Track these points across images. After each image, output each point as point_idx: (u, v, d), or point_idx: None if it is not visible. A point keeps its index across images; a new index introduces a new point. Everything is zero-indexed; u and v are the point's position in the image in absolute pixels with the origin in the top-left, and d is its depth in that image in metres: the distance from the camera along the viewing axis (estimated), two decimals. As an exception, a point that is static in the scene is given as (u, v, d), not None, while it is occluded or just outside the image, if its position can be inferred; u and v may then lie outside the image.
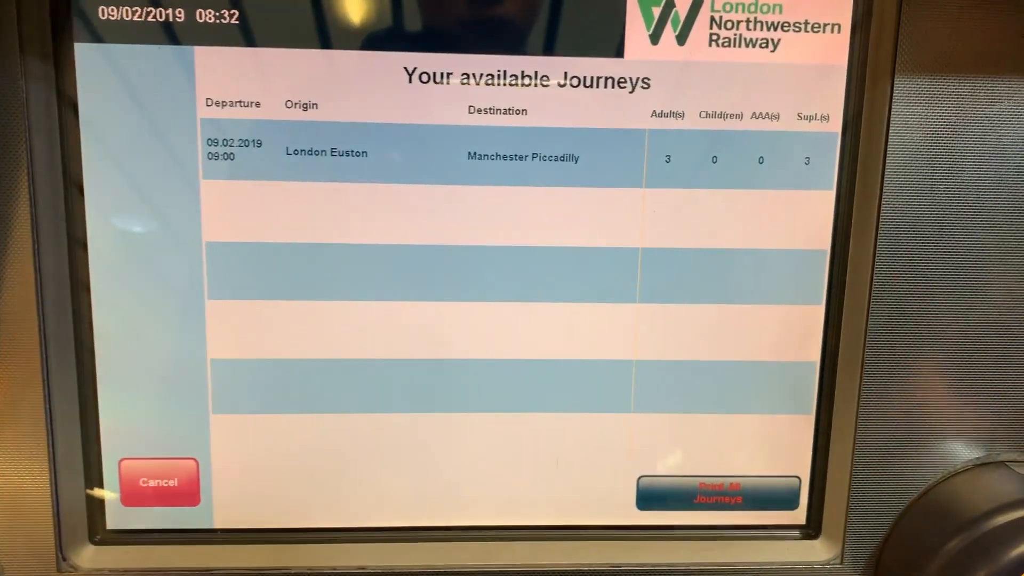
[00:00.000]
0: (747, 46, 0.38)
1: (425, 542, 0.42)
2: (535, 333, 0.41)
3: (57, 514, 0.39)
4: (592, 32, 0.38)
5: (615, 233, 0.40)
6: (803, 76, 0.39)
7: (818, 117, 0.39)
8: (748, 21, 0.38)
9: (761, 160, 0.39)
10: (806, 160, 0.40)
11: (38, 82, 0.37)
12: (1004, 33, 0.38)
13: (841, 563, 0.42)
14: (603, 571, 0.41)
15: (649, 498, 0.43)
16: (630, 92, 0.39)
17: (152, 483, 0.41)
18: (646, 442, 0.42)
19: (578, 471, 0.42)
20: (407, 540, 0.42)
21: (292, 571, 0.41)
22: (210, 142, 0.38)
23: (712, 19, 0.38)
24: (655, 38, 0.38)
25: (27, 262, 0.37)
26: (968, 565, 0.38)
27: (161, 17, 0.37)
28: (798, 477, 0.43)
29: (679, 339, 0.41)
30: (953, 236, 0.39)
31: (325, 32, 0.37)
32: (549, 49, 0.38)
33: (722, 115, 0.39)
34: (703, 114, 0.39)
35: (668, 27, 0.38)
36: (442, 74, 0.38)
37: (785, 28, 0.38)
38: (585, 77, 0.38)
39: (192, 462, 0.41)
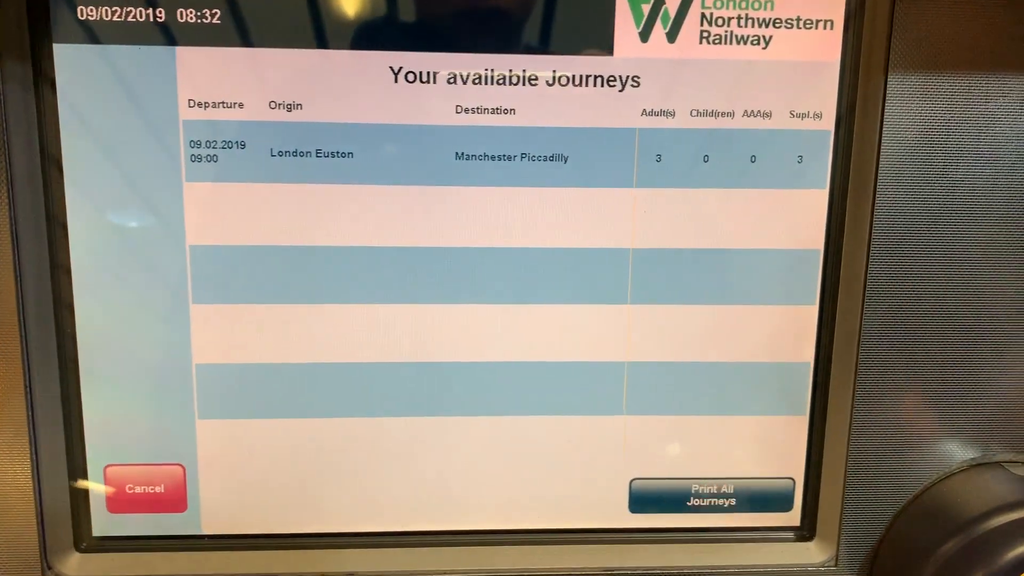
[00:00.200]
0: (738, 43, 0.38)
1: (415, 547, 0.41)
2: (525, 335, 0.40)
3: (41, 522, 0.39)
4: (581, 30, 0.37)
5: (605, 234, 0.39)
6: (795, 73, 0.38)
7: (811, 115, 0.39)
8: (739, 18, 0.38)
9: (753, 159, 0.39)
10: (799, 159, 0.39)
11: (16, 85, 0.36)
12: (998, 30, 0.37)
13: (836, 565, 0.42)
14: (597, 575, 0.41)
15: (642, 501, 0.42)
16: (620, 90, 0.38)
17: (138, 489, 0.40)
18: (639, 444, 0.42)
19: (570, 474, 0.42)
20: (397, 545, 0.41)
21: (281, 577, 0.40)
22: (193, 144, 0.37)
23: (703, 16, 0.38)
24: (645, 35, 0.38)
25: (8, 269, 0.37)
26: (964, 567, 0.37)
27: (142, 17, 0.36)
28: (792, 479, 0.42)
29: (671, 340, 0.41)
30: (948, 235, 0.39)
31: (309, 31, 0.37)
32: (538, 47, 0.37)
33: (713, 113, 0.38)
34: (694, 112, 0.38)
35: (658, 24, 0.38)
36: (428, 73, 0.37)
37: (777, 24, 0.38)
38: (574, 76, 0.38)
39: (179, 468, 0.40)
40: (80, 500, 0.40)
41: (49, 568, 0.39)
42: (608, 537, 0.42)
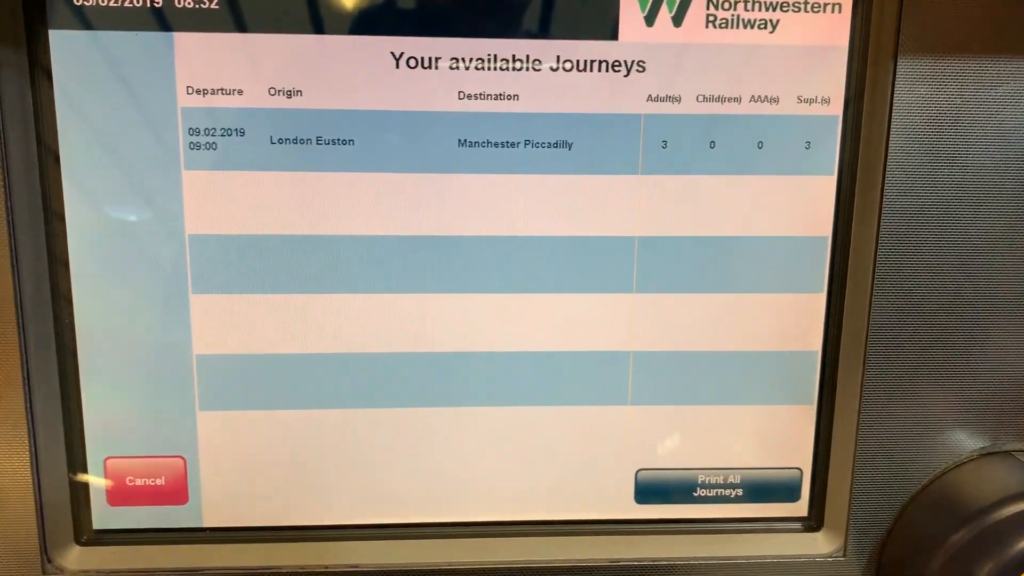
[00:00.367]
0: (745, 27, 0.37)
1: (419, 539, 0.41)
2: (529, 325, 0.40)
3: (41, 515, 0.39)
4: (585, 14, 0.37)
5: (610, 222, 0.39)
6: (803, 58, 0.38)
7: (819, 100, 0.38)
8: (746, 1, 0.37)
9: (760, 145, 0.38)
10: (806, 144, 0.39)
11: (11, 72, 0.35)
12: (1009, 13, 0.36)
13: (844, 556, 0.41)
14: (601, 566, 0.41)
15: (648, 491, 0.42)
16: (625, 76, 0.37)
17: (139, 482, 0.40)
18: (644, 435, 0.41)
19: (575, 465, 0.41)
20: (401, 537, 0.41)
21: (283, 570, 0.40)
22: (192, 132, 0.37)
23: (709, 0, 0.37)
24: (650, 20, 0.37)
25: (4, 258, 0.36)
26: (974, 557, 0.37)
27: (138, 2, 0.35)
28: (799, 469, 0.42)
29: (677, 329, 0.40)
30: (957, 221, 0.38)
31: (309, 16, 0.36)
32: (541, 32, 0.37)
33: (720, 99, 0.38)
34: (700, 98, 0.38)
35: (664, 8, 0.37)
36: (430, 59, 0.37)
37: (784, 8, 0.37)
38: (578, 61, 0.37)
39: (179, 460, 0.40)
40: (80, 493, 0.40)
41: (49, 562, 0.39)
42: (614, 528, 0.42)
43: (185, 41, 0.36)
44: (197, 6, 0.36)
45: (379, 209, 0.38)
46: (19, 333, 0.37)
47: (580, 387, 0.40)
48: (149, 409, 0.39)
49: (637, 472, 0.42)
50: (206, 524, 0.41)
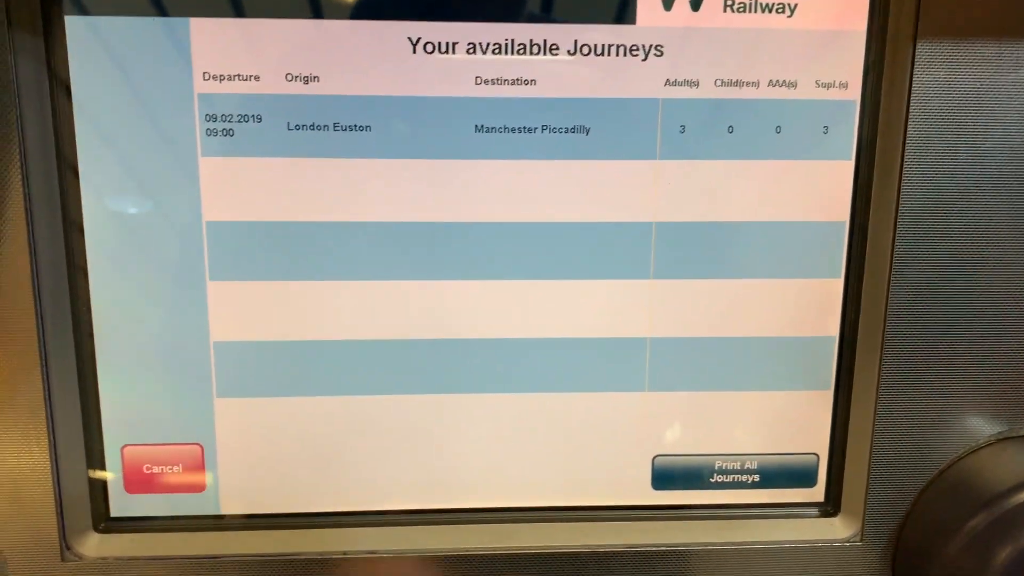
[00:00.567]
0: (763, 11, 0.37)
1: (436, 525, 0.41)
2: (546, 311, 0.39)
3: (59, 503, 0.39)
4: (603, -2, 0.37)
5: (628, 207, 0.39)
6: (821, 42, 0.38)
7: (837, 84, 0.38)
8: (764, -15, 0.37)
9: (778, 129, 0.38)
10: (824, 129, 0.38)
11: (27, 58, 0.35)
12: (1030, -6, 0.36)
13: (861, 541, 0.41)
14: (618, 552, 0.41)
15: (664, 477, 0.42)
16: (643, 60, 0.37)
17: (156, 469, 0.40)
18: (661, 421, 0.41)
19: (592, 451, 0.41)
20: (418, 523, 0.41)
21: (301, 557, 0.40)
22: (208, 118, 0.36)
23: (727, -17, 0.37)
24: (668, 4, 0.37)
25: (22, 245, 0.36)
26: (992, 543, 0.37)
27: (154, -12, 0.35)
28: (816, 454, 0.42)
29: (694, 315, 0.40)
30: (976, 206, 0.38)
31: (326, 1, 0.36)
32: (558, 16, 0.37)
33: (738, 83, 0.38)
34: (718, 82, 0.38)
35: (681, -8, 0.37)
36: (447, 44, 0.37)
37: (802, -9, 0.37)
38: (596, 45, 0.37)
39: (197, 447, 0.40)
40: (98, 481, 0.40)
41: (68, 549, 0.39)
42: (631, 514, 0.42)
43: (202, 27, 0.36)
44: (213, -9, 0.35)
45: (395, 195, 0.38)
46: (37, 322, 0.37)
47: (597, 373, 0.40)
48: (166, 397, 0.39)
49: (654, 458, 0.42)
50: (224, 511, 0.41)
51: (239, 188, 0.37)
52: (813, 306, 0.40)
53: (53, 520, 0.38)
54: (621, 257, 0.39)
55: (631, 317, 0.40)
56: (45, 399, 0.38)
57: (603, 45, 0.37)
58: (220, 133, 0.37)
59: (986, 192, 0.38)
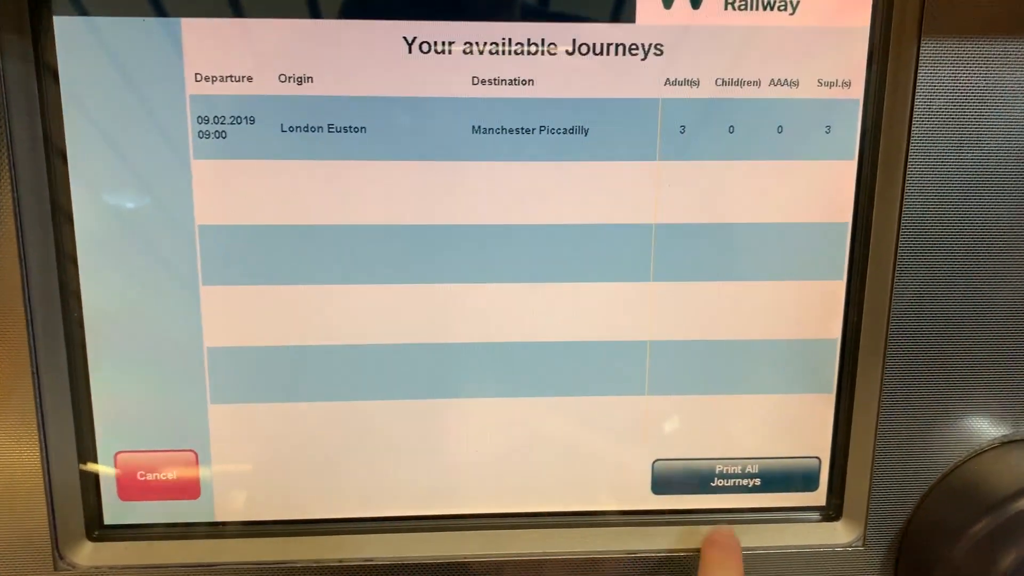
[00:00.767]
0: (765, 8, 0.36)
1: (434, 531, 0.41)
2: (544, 315, 0.39)
3: (52, 511, 0.38)
4: (601, -4, 0.36)
5: (627, 209, 0.38)
6: (824, 40, 0.37)
7: (839, 83, 0.37)
8: (766, -18, 0.36)
9: (780, 129, 0.38)
10: (827, 129, 0.38)
11: (16, 60, 0.35)
12: (1036, -9, 0.36)
13: (863, 545, 0.41)
14: (618, 558, 0.40)
15: (665, 482, 0.41)
16: (642, 59, 0.37)
17: (150, 476, 0.39)
18: (661, 425, 0.41)
19: (591, 456, 0.41)
20: (415, 530, 0.40)
21: (298, 564, 0.39)
22: (200, 120, 0.36)
23: (728, -20, 0.36)
24: (668, 2, 0.36)
25: (12, 251, 0.36)
26: (996, 547, 0.36)
27: (144, -13, 0.35)
28: (818, 458, 0.41)
29: (695, 318, 0.39)
30: (981, 207, 0.37)
31: (319, 0, 0.35)
32: (557, 15, 0.36)
33: (739, 82, 0.37)
34: (719, 82, 0.37)
35: (682, -10, 0.36)
36: (443, 43, 0.36)
37: (805, -11, 0.36)
38: (595, 44, 0.36)
39: (191, 454, 0.39)
40: (91, 488, 0.39)
41: (61, 558, 0.38)
42: (631, 519, 0.41)
43: (193, 27, 0.35)
44: (204, -9, 0.35)
45: (391, 198, 0.37)
46: (28, 328, 0.36)
47: (596, 377, 0.40)
48: (160, 403, 0.39)
49: (654, 462, 0.41)
50: (218, 518, 0.40)
51: (232, 191, 0.37)
52: (815, 308, 0.40)
53: (45, 529, 0.38)
54: (621, 259, 0.39)
55: (631, 320, 0.39)
56: (36, 406, 0.37)
57: (602, 44, 0.36)
58: (213, 135, 0.36)
59: (991, 192, 0.37)
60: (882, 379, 0.39)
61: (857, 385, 0.40)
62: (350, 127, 0.36)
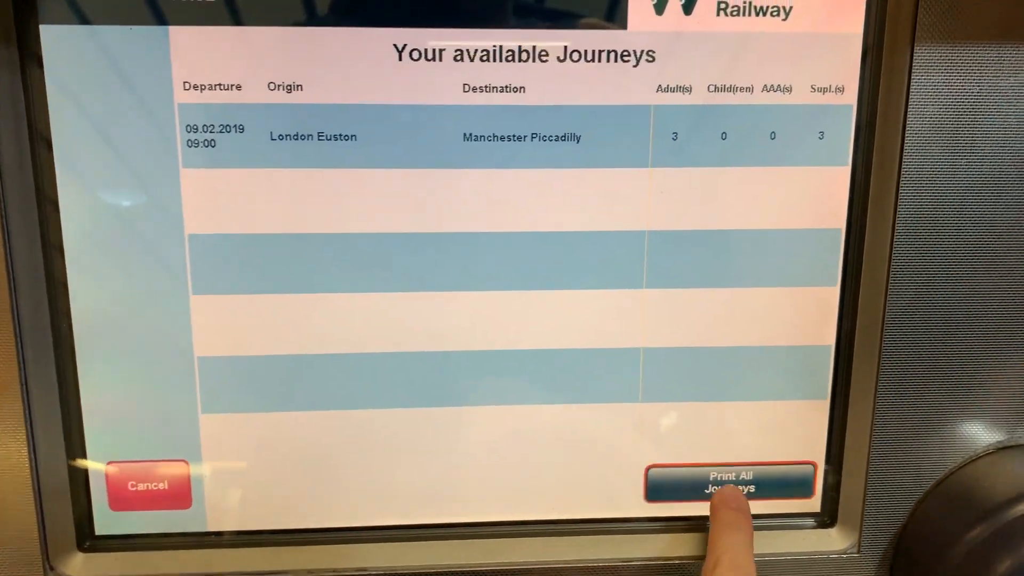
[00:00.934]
0: (757, 14, 0.36)
1: (428, 540, 0.40)
2: (537, 322, 0.39)
3: (42, 521, 0.38)
4: (593, 2, 0.36)
5: (620, 216, 0.38)
6: (817, 45, 0.37)
7: (832, 89, 0.37)
8: (758, -12, 0.36)
9: (773, 135, 0.37)
10: (820, 135, 0.38)
11: (1, 70, 0.34)
12: (1029, -4, 0.35)
13: (858, 552, 0.41)
14: (613, 566, 0.40)
15: (659, 489, 0.41)
16: (634, 66, 0.36)
17: (141, 486, 0.39)
18: (655, 432, 0.40)
19: (585, 463, 0.40)
20: (409, 539, 0.40)
21: (290, 574, 0.39)
22: (189, 128, 0.36)
23: (720, -14, 0.36)
24: (660, 8, 0.36)
25: (-1, 267, 0.35)
26: (991, 554, 0.36)
27: (132, -5, 0.34)
28: (813, 464, 0.41)
29: (688, 325, 0.39)
30: (975, 212, 0.37)
31: (309, 8, 0.35)
32: (548, 22, 0.36)
33: (731, 88, 0.37)
34: (711, 88, 0.37)
35: (674, -4, 0.36)
36: (434, 51, 0.36)
37: (797, -6, 0.36)
38: (586, 51, 0.36)
39: (182, 464, 0.39)
40: (81, 498, 0.39)
41: (51, 569, 0.38)
42: (625, 527, 0.41)
43: (182, 35, 0.35)
44: (192, -1, 0.34)
45: (382, 205, 0.37)
46: (16, 339, 0.36)
47: (590, 384, 0.40)
48: (151, 413, 0.38)
49: (648, 469, 0.41)
50: (210, 528, 0.40)
51: (222, 200, 0.36)
52: (809, 315, 0.39)
53: (36, 539, 0.38)
54: (614, 267, 0.38)
55: (624, 327, 0.39)
56: (25, 416, 0.37)
57: (594, 51, 0.36)
58: (202, 144, 0.36)
59: (985, 197, 0.37)
60: (876, 385, 0.39)
61: (852, 391, 0.40)
62: (340, 135, 0.36)
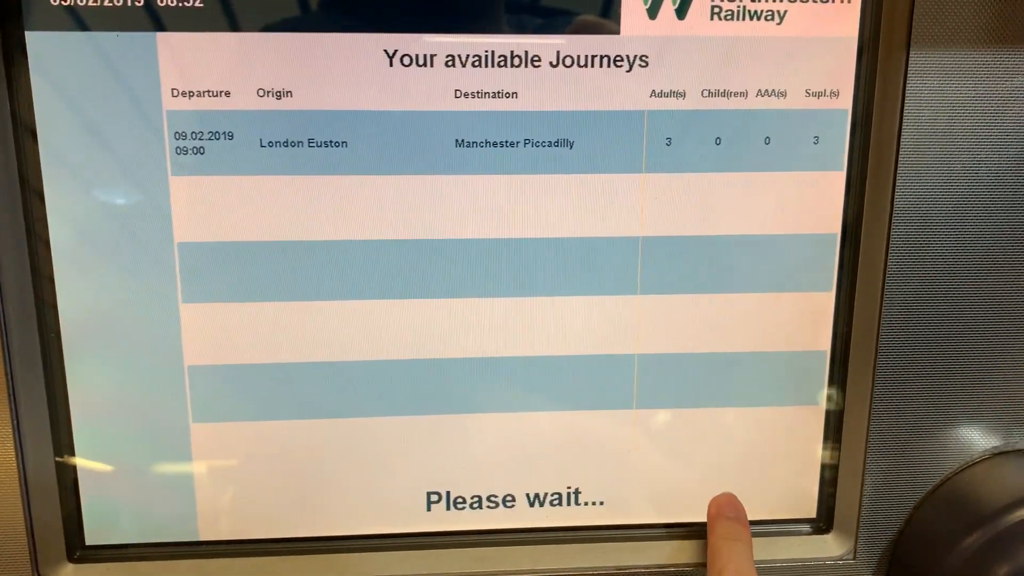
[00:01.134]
0: (752, 19, 0.36)
1: (422, 549, 0.40)
2: (531, 329, 0.38)
3: (31, 532, 0.37)
4: (586, 7, 0.35)
5: (613, 222, 0.37)
6: (811, 49, 0.36)
7: (827, 93, 0.37)
8: (752, -8, 0.36)
9: (767, 140, 0.37)
10: (815, 139, 0.37)
11: (-14, 76, 0.34)
12: (1023, 3, 0.35)
13: (854, 559, 0.40)
14: (610, 574, 0.40)
15: (655, 496, 0.41)
16: (627, 71, 0.36)
17: (132, 494, 0.39)
18: (651, 439, 0.40)
19: (579, 470, 0.40)
20: (403, 548, 0.40)
21: (283, 583, 0.39)
22: (178, 136, 0.35)
23: (714, -10, 0.36)
24: (653, 12, 0.36)
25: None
26: (988, 561, 0.36)
27: (119, 1, 0.34)
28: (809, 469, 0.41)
29: (683, 331, 0.39)
30: (971, 216, 0.37)
31: (299, 14, 0.35)
32: (540, 27, 0.35)
33: (726, 93, 0.37)
34: (705, 93, 0.36)
35: (667, 0, 0.35)
36: (425, 56, 0.35)
37: (792, -2, 0.36)
38: (579, 56, 0.36)
39: (174, 473, 0.39)
40: (71, 509, 0.39)
41: (41, 580, 0.38)
42: (621, 535, 0.41)
43: (169, 41, 0.34)
44: (181, 4, 0.34)
45: (374, 213, 0.37)
46: (3, 347, 0.36)
47: (584, 392, 0.39)
48: (141, 422, 0.38)
49: (643, 476, 0.41)
50: (202, 538, 0.39)
51: (212, 208, 0.36)
52: (804, 320, 0.39)
53: (25, 550, 0.37)
54: (607, 273, 0.38)
55: (618, 334, 0.39)
56: (13, 427, 0.36)
57: (587, 56, 0.36)
58: (191, 151, 0.35)
59: (981, 202, 0.37)
60: (872, 390, 0.39)
61: (847, 396, 0.40)
62: (331, 142, 0.36)
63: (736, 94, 0.37)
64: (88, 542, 0.39)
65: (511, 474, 0.40)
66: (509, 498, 0.40)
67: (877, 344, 0.38)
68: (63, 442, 0.38)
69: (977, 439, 0.39)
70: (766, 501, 0.41)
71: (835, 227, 0.38)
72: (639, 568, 0.40)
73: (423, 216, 0.37)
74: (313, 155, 0.36)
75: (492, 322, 0.38)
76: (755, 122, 0.37)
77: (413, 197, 0.36)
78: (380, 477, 0.39)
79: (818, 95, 0.37)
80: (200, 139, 0.35)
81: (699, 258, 0.38)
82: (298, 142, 0.36)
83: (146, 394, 0.38)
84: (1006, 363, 0.39)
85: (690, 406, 0.40)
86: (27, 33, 0.34)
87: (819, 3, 0.36)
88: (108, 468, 0.38)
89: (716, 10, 0.36)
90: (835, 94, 0.37)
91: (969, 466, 0.40)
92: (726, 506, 0.39)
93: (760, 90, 0.37)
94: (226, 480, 0.39)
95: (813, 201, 0.38)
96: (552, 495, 0.40)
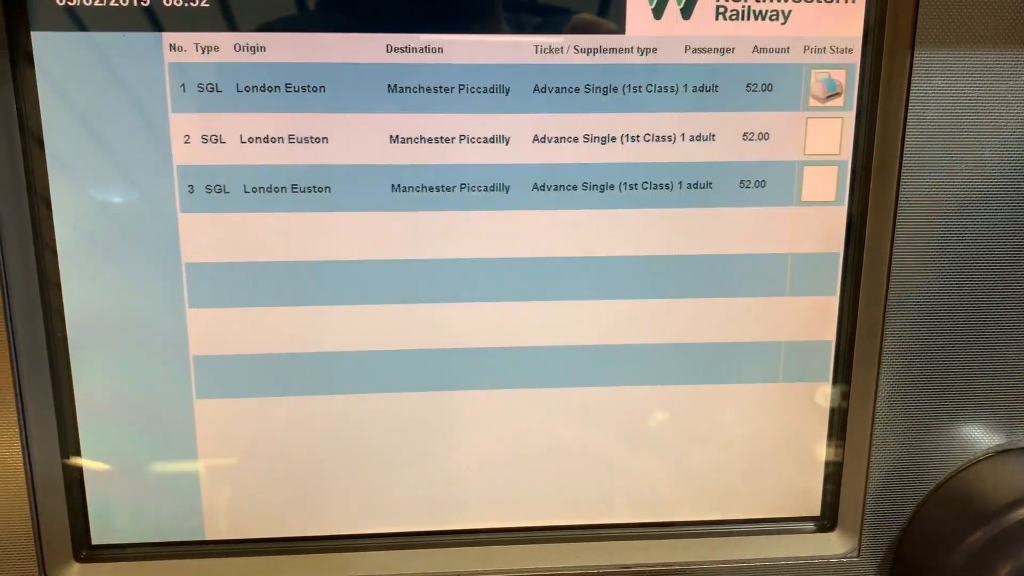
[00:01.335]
0: (756, 18, 0.36)
1: (425, 548, 0.40)
2: (537, 325, 0.38)
3: (38, 532, 0.37)
4: (591, 6, 0.35)
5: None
6: (816, 49, 0.36)
7: (832, 93, 0.37)
8: (757, -9, 0.36)
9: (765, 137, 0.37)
10: (819, 138, 0.37)
11: (-7, 78, 0.34)
12: (1029, 1, 0.35)
13: (858, 556, 0.41)
14: (612, 572, 0.40)
15: (657, 494, 0.41)
16: (631, 71, 0.36)
17: (138, 494, 0.39)
18: (652, 436, 0.40)
19: (581, 470, 0.40)
20: (407, 547, 0.40)
21: (289, 582, 0.39)
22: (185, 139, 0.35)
23: (719, -11, 0.36)
24: (658, 12, 0.36)
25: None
26: (992, 558, 0.36)
27: (126, 2, 0.34)
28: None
29: (688, 327, 0.39)
30: (976, 217, 0.37)
31: (305, 12, 0.35)
32: (543, 26, 0.35)
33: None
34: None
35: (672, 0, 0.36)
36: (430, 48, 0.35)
37: (796, -2, 0.36)
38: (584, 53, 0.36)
39: (181, 472, 0.39)
40: (77, 508, 0.39)
41: (48, 580, 0.38)
42: (624, 533, 0.41)
43: (175, 41, 0.34)
44: (186, 5, 0.34)
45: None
46: (11, 352, 0.36)
47: (586, 386, 0.39)
48: (148, 421, 0.38)
49: (642, 475, 0.41)
50: (208, 537, 0.40)
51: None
52: (810, 315, 0.39)
53: (31, 550, 0.37)
54: (598, 283, 0.38)
55: (618, 327, 0.39)
56: (20, 426, 0.36)
57: (592, 52, 0.36)
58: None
59: (985, 202, 0.37)
60: (876, 387, 0.39)
61: (851, 393, 0.40)
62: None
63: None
64: (94, 542, 0.39)
65: (511, 474, 0.40)
66: (513, 496, 0.40)
67: (881, 343, 0.38)
68: (69, 443, 0.38)
69: (981, 437, 0.40)
70: (770, 499, 0.41)
71: (840, 225, 0.39)
72: (641, 566, 0.40)
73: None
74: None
75: (499, 318, 0.38)
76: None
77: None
78: (386, 476, 0.39)
79: (822, 95, 0.37)
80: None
81: (699, 268, 0.38)
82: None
83: (152, 390, 0.38)
84: (1010, 361, 0.39)
85: (692, 402, 0.40)
86: (33, 33, 0.34)
87: (823, 3, 0.36)
88: (114, 468, 0.38)
89: (721, 10, 0.36)
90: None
91: (973, 464, 0.40)
92: None
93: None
94: (232, 478, 0.39)
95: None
96: (552, 495, 0.40)
